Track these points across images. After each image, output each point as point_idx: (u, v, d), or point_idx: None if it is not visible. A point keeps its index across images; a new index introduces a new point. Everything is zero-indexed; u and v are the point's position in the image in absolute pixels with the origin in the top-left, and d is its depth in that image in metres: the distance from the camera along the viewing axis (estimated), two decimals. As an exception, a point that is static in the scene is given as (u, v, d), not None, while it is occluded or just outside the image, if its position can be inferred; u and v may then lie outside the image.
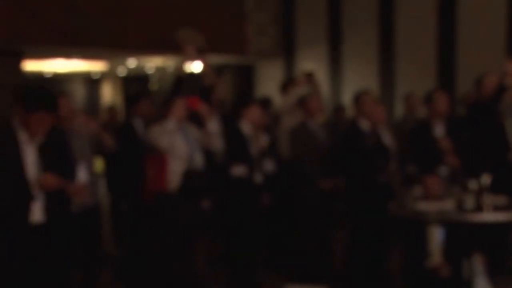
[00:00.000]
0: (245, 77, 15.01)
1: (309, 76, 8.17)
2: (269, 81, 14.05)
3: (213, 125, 6.50)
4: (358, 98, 7.00)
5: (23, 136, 4.58)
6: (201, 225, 6.44)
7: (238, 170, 7.03)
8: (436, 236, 5.81)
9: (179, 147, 6.21)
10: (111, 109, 11.41)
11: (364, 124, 6.93)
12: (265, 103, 8.42)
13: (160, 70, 16.96)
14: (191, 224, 6.13)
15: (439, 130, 6.90)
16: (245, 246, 7.14)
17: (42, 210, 4.68)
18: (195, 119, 6.79)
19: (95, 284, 6.45)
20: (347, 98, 11.73)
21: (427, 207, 5.86)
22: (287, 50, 13.96)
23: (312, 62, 12.95)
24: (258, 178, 7.15)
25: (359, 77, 12.33)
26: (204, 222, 6.53)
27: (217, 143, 6.55)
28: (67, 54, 14.19)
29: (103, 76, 19.00)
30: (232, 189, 7.07)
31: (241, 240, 7.11)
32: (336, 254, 7.65)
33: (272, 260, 8.01)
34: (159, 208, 5.88)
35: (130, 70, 17.30)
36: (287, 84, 8.80)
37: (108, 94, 19.19)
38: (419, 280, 5.97)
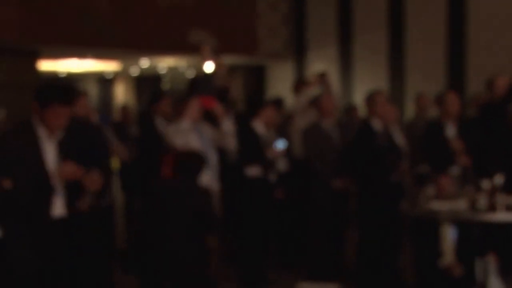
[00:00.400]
0: (256, 78, 15.02)
1: (322, 76, 8.14)
2: (280, 82, 14.06)
3: (227, 125, 6.48)
4: (371, 98, 6.99)
5: (42, 133, 4.59)
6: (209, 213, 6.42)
7: (253, 171, 7.03)
8: (449, 235, 5.80)
9: (193, 146, 6.17)
10: (124, 109, 11.43)
11: (376, 124, 6.91)
12: (278, 103, 8.40)
13: (172, 70, 16.98)
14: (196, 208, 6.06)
15: (450, 130, 6.90)
16: (258, 244, 7.15)
17: (63, 204, 4.71)
18: (210, 118, 6.80)
19: (108, 279, 6.46)
20: (357, 98, 11.73)
21: (439, 206, 5.85)
22: (298, 50, 13.97)
23: (322, 63, 12.94)
24: (272, 177, 7.17)
25: (369, 78, 12.33)
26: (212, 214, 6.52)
27: (231, 143, 6.55)
28: (81, 54, 14.25)
29: (116, 76, 19.04)
30: (246, 188, 7.08)
31: (253, 238, 7.13)
32: (348, 253, 7.64)
33: (285, 259, 8.01)
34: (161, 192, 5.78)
35: (142, 70, 17.33)
36: (299, 85, 8.78)
37: (121, 93, 19.23)
38: (431, 279, 5.96)
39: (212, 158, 6.47)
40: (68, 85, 4.94)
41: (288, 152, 7.60)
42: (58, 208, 4.68)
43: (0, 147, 4.47)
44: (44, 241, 4.53)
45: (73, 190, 4.75)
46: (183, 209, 5.53)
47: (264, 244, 7.25)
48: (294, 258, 7.96)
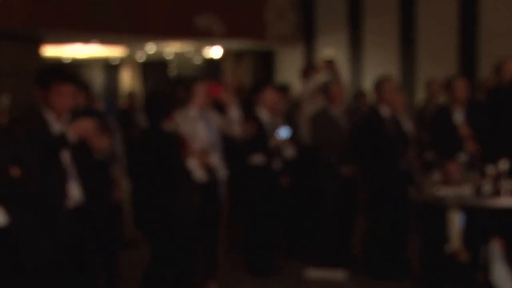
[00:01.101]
0: (264, 63, 15.10)
1: (330, 63, 8.30)
2: (288, 67, 14.14)
3: (234, 112, 6.61)
4: (379, 85, 7.11)
5: (50, 117, 4.73)
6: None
7: (257, 159, 7.18)
8: (455, 221, 5.94)
9: (200, 134, 6.29)
10: (131, 96, 11.59)
11: (384, 111, 7.05)
12: (283, 89, 8.55)
13: (179, 55, 17.09)
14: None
15: (458, 116, 7.04)
16: (265, 231, 7.30)
17: (79, 190, 4.83)
18: (216, 106, 6.93)
19: (116, 267, 6.61)
20: (367, 84, 11.82)
21: (446, 192, 6.01)
22: (307, 35, 14.04)
23: (332, 48, 13.02)
24: (277, 164, 7.30)
25: (379, 63, 12.42)
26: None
27: (238, 131, 6.66)
28: (86, 39, 14.32)
29: (122, 61, 19.13)
30: (251, 176, 7.24)
31: (260, 225, 7.28)
32: (356, 240, 7.78)
33: (292, 246, 8.15)
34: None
35: (149, 56, 17.43)
36: (307, 71, 8.92)
37: (127, 80, 19.34)
38: (438, 265, 6.11)
39: (219, 146, 6.56)
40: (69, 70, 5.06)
41: (295, 139, 7.74)
42: (74, 195, 4.80)
43: (8, 134, 4.48)
44: (58, 230, 4.61)
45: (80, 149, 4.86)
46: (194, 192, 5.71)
47: (271, 231, 7.38)
48: (302, 246, 8.10)
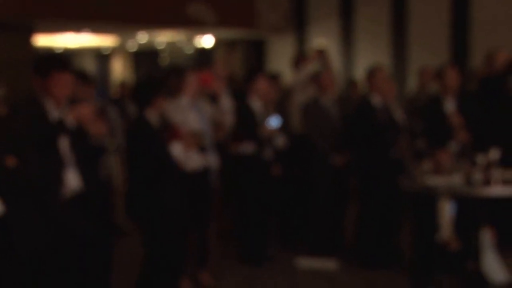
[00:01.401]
0: (256, 52, 15.11)
1: (321, 52, 8.28)
2: (280, 56, 14.17)
3: (226, 102, 6.60)
4: (371, 74, 7.14)
5: (49, 106, 4.75)
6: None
7: (246, 148, 7.19)
8: (446, 210, 5.95)
9: (192, 123, 6.26)
10: (123, 85, 11.56)
11: (376, 100, 7.07)
12: (274, 78, 8.55)
13: (170, 45, 17.11)
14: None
15: (450, 105, 7.05)
16: (256, 220, 7.32)
17: (77, 177, 4.84)
18: (207, 95, 6.92)
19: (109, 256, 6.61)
20: (359, 73, 11.85)
21: (437, 181, 6.02)
22: (299, 24, 14.05)
23: (323, 37, 13.03)
24: (268, 154, 7.30)
25: (371, 52, 12.43)
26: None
27: (229, 120, 6.66)
28: (77, 28, 14.32)
29: (113, 51, 19.13)
30: (242, 165, 7.25)
31: (252, 214, 7.30)
32: (348, 229, 7.82)
33: (284, 234, 8.17)
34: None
35: (140, 45, 17.43)
36: (298, 60, 8.90)
37: (118, 69, 19.34)
38: (429, 253, 6.13)
39: (210, 136, 6.54)
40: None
41: (286, 128, 7.75)
42: (72, 182, 4.80)
43: (7, 124, 4.52)
44: (55, 219, 4.59)
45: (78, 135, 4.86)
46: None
47: (262, 220, 7.39)
48: (293, 235, 8.12)
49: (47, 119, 4.73)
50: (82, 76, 6.75)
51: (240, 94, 7.43)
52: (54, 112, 4.77)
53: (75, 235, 4.75)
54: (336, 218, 7.68)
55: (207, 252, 6.74)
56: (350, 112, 7.43)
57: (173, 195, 5.59)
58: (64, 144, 4.78)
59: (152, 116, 5.58)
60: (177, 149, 5.71)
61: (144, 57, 18.42)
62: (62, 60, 4.88)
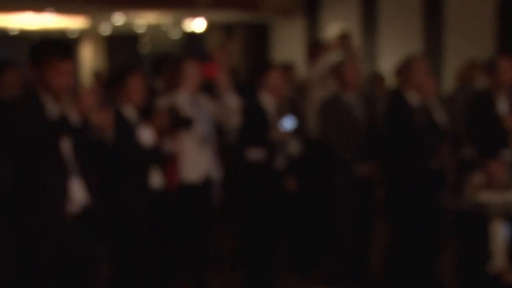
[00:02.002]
0: (258, 39, 15.09)
1: (344, 38, 8.23)
2: (287, 44, 14.14)
3: (232, 98, 6.56)
4: (407, 66, 7.07)
5: (48, 102, 4.75)
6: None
7: (255, 154, 7.13)
8: (500, 234, 5.92)
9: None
10: (98, 76, 11.49)
11: (412, 98, 7.01)
12: (287, 69, 8.49)
13: (152, 28, 17.07)
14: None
15: (502, 105, 7.01)
16: (263, 241, 7.24)
17: (83, 187, 4.84)
18: (207, 89, 6.88)
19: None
20: (383, 65, 11.82)
21: (489, 198, 5.98)
22: (310, 6, 14.04)
23: (340, 22, 12.98)
24: (280, 162, 7.25)
25: (397, 41, 12.44)
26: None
27: (236, 120, 6.63)
28: (38, 7, 14.29)
29: (82, 35, 19.10)
30: (248, 175, 7.18)
31: (258, 234, 7.22)
32: (374, 253, 7.75)
33: (295, 259, 8.12)
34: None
35: (115, 28, 17.40)
36: (315, 49, 8.84)
37: (88, 57, 19.29)
38: (478, 287, 6.09)
39: (213, 139, 6.55)
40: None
41: (301, 131, 7.70)
42: (78, 195, 4.80)
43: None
44: (57, 241, 4.66)
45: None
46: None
47: (271, 243, 7.33)
48: (308, 261, 8.08)
49: (44, 115, 4.72)
50: None
51: (244, 89, 7.38)
52: (53, 107, 4.77)
53: (80, 261, 4.79)
54: (360, 242, 7.60)
55: (204, 279, 6.74)
56: (376, 112, 7.37)
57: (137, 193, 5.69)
58: (66, 146, 4.77)
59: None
60: (146, 135, 5.70)
61: (120, 43, 18.40)
62: (62, 45, 4.89)
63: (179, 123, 5.88)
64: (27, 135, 4.50)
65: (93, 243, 4.92)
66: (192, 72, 6.32)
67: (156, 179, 5.94)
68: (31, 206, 4.59)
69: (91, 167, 5.00)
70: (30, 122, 4.56)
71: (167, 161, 5.97)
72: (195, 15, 14.59)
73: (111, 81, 5.85)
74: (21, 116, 4.57)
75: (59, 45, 4.84)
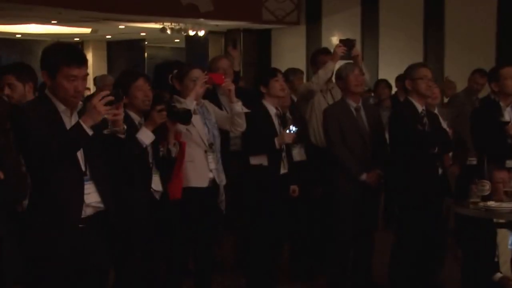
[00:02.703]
0: (260, 43, 15.07)
1: (348, 44, 8.14)
2: (288, 52, 14.10)
3: (239, 105, 6.50)
4: (414, 73, 7.00)
5: (61, 109, 4.65)
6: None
7: (259, 161, 7.09)
8: (507, 242, 5.86)
9: (197, 132, 6.26)
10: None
11: (417, 105, 6.95)
12: (295, 74, 8.50)
13: (153, 32, 17.03)
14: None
15: (508, 113, 6.96)
16: (265, 247, 7.19)
17: (97, 192, 4.74)
18: (210, 96, 6.83)
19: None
20: (384, 74, 11.78)
21: (495, 206, 5.91)
22: (312, 14, 14.02)
23: (341, 30, 12.96)
24: (284, 168, 7.21)
25: (399, 49, 12.41)
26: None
27: (243, 126, 6.58)
28: (43, 18, 14.32)
29: (84, 39, 19.10)
30: (252, 180, 7.14)
31: (260, 240, 7.18)
32: (377, 261, 7.67)
33: (297, 266, 8.06)
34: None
35: (116, 33, 17.39)
36: (317, 55, 8.78)
37: (89, 61, 19.28)
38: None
39: (218, 145, 6.50)
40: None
41: (304, 137, 7.67)
42: (92, 197, 4.71)
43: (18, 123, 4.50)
44: (73, 248, 4.58)
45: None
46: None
47: (273, 249, 7.30)
48: (309, 268, 8.01)
49: (61, 126, 4.61)
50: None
51: (248, 95, 7.33)
52: (66, 116, 4.67)
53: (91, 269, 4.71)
54: (363, 248, 7.54)
55: (207, 286, 6.65)
56: (380, 119, 7.29)
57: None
58: (80, 150, 4.68)
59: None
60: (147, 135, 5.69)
61: (121, 47, 18.39)
62: (74, 50, 4.80)
63: (176, 116, 5.79)
64: (41, 143, 4.41)
65: (107, 249, 4.84)
66: (200, 80, 6.24)
67: (159, 185, 5.87)
68: (45, 211, 4.51)
69: (105, 171, 4.88)
70: (43, 129, 4.47)
71: (173, 166, 5.87)
72: (198, 23, 14.60)
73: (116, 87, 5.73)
74: (34, 122, 4.47)
75: (71, 50, 4.72)
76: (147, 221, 5.73)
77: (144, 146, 5.56)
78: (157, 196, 5.84)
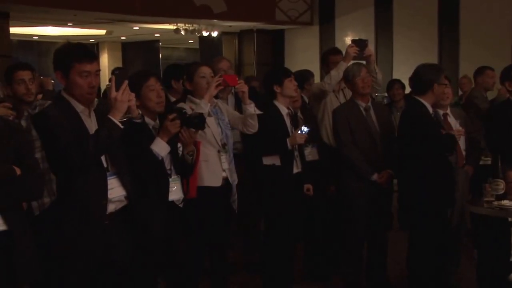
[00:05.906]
0: (273, 43, 15.06)
1: (361, 44, 8.06)
2: (301, 52, 14.07)
3: (252, 106, 6.48)
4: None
5: (79, 110, 4.68)
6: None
7: (272, 161, 7.05)
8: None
9: (211, 133, 6.24)
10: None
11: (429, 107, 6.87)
12: (306, 76, 8.43)
13: (167, 33, 17.04)
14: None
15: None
16: (281, 247, 7.12)
17: (120, 187, 4.78)
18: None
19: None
20: (398, 74, 11.72)
21: (510, 205, 5.86)
22: (324, 16, 13.98)
23: (355, 30, 12.91)
24: (297, 168, 7.16)
25: (413, 49, 12.35)
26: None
27: (254, 127, 6.54)
28: (59, 20, 14.37)
29: (100, 40, 19.14)
30: (266, 181, 7.08)
31: (276, 240, 7.11)
32: (392, 261, 7.65)
33: (313, 266, 7.99)
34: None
35: (132, 34, 17.42)
36: (327, 55, 8.71)
37: (104, 62, 19.32)
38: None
39: (231, 145, 6.50)
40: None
41: (315, 137, 7.61)
42: (116, 190, 4.75)
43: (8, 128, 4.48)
44: (99, 241, 4.64)
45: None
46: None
47: (289, 248, 7.23)
48: (324, 268, 7.95)
49: (84, 127, 4.65)
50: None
51: (261, 96, 7.27)
52: (85, 117, 4.71)
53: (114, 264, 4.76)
54: (378, 248, 7.48)
55: (223, 285, 6.66)
56: (392, 120, 7.24)
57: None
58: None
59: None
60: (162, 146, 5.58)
61: (136, 48, 18.42)
62: (84, 48, 4.78)
63: (190, 123, 5.73)
64: (71, 145, 4.44)
65: (131, 244, 4.89)
66: (215, 82, 6.20)
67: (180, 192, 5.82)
68: (71, 209, 4.55)
69: (126, 164, 4.91)
70: (70, 133, 4.49)
71: (191, 171, 5.84)
72: (211, 23, 14.62)
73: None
74: (60, 126, 4.48)
75: (80, 47, 4.73)
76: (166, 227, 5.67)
77: (160, 158, 5.49)
78: (180, 205, 5.77)
